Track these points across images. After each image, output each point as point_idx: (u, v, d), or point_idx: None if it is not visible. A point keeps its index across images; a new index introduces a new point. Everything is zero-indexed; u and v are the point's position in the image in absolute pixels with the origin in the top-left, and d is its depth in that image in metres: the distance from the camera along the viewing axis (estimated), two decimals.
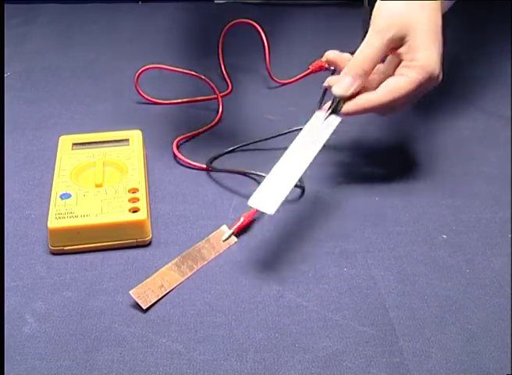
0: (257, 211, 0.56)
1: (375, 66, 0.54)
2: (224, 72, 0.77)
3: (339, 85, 0.54)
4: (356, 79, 0.53)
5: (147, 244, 0.54)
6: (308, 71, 0.79)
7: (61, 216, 0.52)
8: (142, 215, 0.53)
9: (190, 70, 0.71)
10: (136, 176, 0.57)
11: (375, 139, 0.67)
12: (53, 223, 0.51)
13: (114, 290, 0.49)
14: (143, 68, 0.71)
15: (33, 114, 0.72)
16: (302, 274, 0.51)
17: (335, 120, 0.54)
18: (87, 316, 0.47)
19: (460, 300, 0.49)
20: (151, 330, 0.46)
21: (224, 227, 0.55)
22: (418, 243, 0.54)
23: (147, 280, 0.49)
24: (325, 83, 0.56)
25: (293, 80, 0.78)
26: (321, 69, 0.80)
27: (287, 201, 0.59)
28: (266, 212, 0.47)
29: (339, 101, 0.54)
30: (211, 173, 0.61)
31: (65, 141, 0.62)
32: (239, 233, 0.55)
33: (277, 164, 0.50)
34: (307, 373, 0.43)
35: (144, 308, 0.47)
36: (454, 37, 0.83)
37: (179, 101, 0.74)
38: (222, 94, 0.73)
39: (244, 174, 0.62)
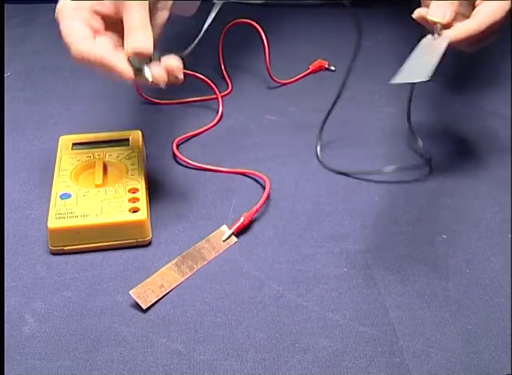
0: (256, 211, 0.56)
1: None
2: (224, 72, 0.77)
3: (436, 11, 0.52)
4: (449, 5, 0.52)
5: (147, 244, 0.54)
6: (308, 71, 0.80)
7: (61, 216, 0.52)
8: (142, 215, 0.53)
9: (191, 70, 0.71)
10: (136, 177, 0.57)
11: (375, 139, 0.67)
12: (53, 223, 0.51)
13: (114, 290, 0.49)
14: None
15: (33, 114, 0.72)
16: (302, 274, 0.51)
17: (444, 41, 0.52)
18: (87, 316, 0.47)
19: (460, 300, 0.49)
20: (151, 330, 0.46)
21: (224, 227, 0.55)
22: (418, 243, 0.54)
23: (147, 280, 0.49)
24: (415, 15, 0.54)
25: (293, 80, 0.79)
26: (321, 69, 0.80)
27: (287, 201, 0.59)
28: (421, 79, 0.46)
29: (437, 31, 0.52)
30: (212, 173, 0.61)
31: (65, 141, 0.62)
32: (239, 233, 0.55)
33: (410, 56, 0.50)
34: (307, 373, 0.43)
35: (144, 308, 0.47)
36: None
37: (179, 101, 0.74)
38: (222, 94, 0.73)
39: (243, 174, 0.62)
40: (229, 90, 0.76)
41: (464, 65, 0.83)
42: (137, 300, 0.47)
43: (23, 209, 0.57)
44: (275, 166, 0.64)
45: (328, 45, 0.87)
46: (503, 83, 0.78)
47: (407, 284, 0.50)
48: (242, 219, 0.55)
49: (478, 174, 0.62)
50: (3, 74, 0.79)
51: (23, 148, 0.66)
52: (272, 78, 0.77)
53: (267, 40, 0.74)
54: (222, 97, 0.73)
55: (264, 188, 0.59)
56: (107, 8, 0.52)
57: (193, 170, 0.61)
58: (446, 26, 0.52)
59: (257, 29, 0.72)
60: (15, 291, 0.49)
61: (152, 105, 0.74)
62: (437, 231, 0.55)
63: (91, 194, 0.54)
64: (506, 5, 0.52)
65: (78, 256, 0.52)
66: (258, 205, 0.56)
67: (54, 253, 0.52)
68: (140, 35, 0.50)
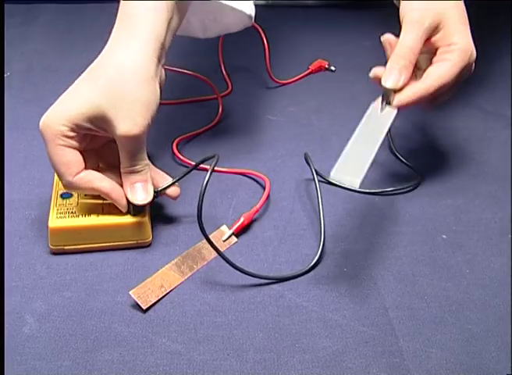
0: (256, 211, 0.56)
1: (417, 57, 0.54)
2: (224, 72, 0.77)
3: (388, 79, 0.53)
4: (402, 71, 0.53)
5: (148, 245, 0.54)
6: (308, 71, 0.80)
7: (61, 215, 0.52)
8: (142, 216, 0.52)
9: (190, 70, 0.71)
10: None
11: None
12: (54, 222, 0.51)
13: (114, 290, 0.49)
14: None
15: (33, 114, 0.72)
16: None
17: (392, 112, 0.53)
18: (87, 316, 0.47)
19: (460, 300, 0.49)
20: (151, 330, 0.46)
21: (224, 227, 0.55)
22: (418, 243, 0.54)
23: (147, 280, 0.49)
24: (371, 74, 0.56)
25: (293, 80, 0.79)
26: (321, 69, 0.80)
27: (287, 201, 0.59)
28: (353, 183, 0.45)
29: (389, 95, 0.53)
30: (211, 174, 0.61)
31: None
32: (239, 233, 0.55)
33: (347, 146, 0.49)
34: (307, 373, 0.43)
35: (144, 308, 0.47)
36: None
37: (179, 101, 0.74)
38: (222, 95, 0.73)
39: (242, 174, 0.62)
40: (229, 90, 0.76)
41: None
42: (137, 300, 0.47)
43: (23, 209, 0.57)
44: (275, 166, 0.64)
45: (329, 45, 0.87)
46: (503, 83, 0.78)
47: (406, 284, 0.50)
48: (242, 219, 0.55)
49: (478, 174, 0.62)
50: (3, 74, 0.79)
51: (23, 148, 0.66)
52: (272, 78, 0.77)
53: (267, 40, 0.74)
54: (222, 97, 0.73)
55: (264, 188, 0.59)
56: (97, 131, 0.50)
57: (193, 170, 0.61)
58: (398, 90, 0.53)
59: (257, 29, 0.72)
60: (15, 291, 0.49)
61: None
62: (437, 231, 0.55)
63: (92, 194, 0.54)
64: (455, 69, 0.53)
65: (78, 256, 0.52)
66: (258, 205, 0.56)
67: (54, 253, 0.52)
68: (143, 193, 0.52)
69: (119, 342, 0.45)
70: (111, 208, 0.53)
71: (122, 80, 0.49)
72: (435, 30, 0.54)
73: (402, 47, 0.54)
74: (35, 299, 0.48)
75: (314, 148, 0.65)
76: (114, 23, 0.54)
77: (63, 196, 0.54)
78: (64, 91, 0.77)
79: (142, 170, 0.51)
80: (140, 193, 0.51)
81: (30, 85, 0.78)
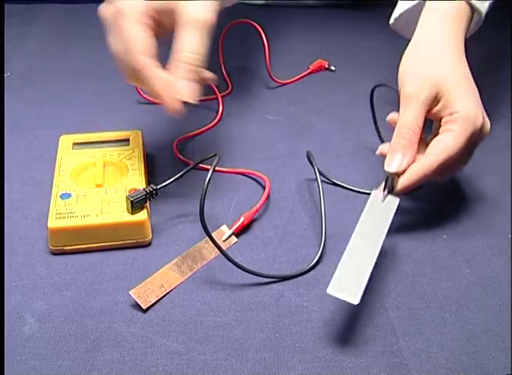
0: (256, 211, 0.56)
1: (420, 132, 0.52)
2: (224, 72, 0.77)
3: (391, 163, 0.52)
4: (405, 153, 0.52)
5: (147, 245, 0.54)
6: (308, 71, 0.80)
7: (61, 215, 0.52)
8: (142, 215, 0.53)
9: None
10: (137, 177, 0.57)
11: (374, 138, 0.67)
12: (53, 222, 0.51)
13: (114, 290, 0.49)
14: None
15: (33, 114, 0.72)
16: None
17: (394, 202, 0.51)
18: (87, 316, 0.47)
19: (460, 300, 0.49)
20: (151, 330, 0.46)
21: (224, 227, 0.55)
22: (418, 243, 0.54)
23: (147, 280, 0.49)
24: (378, 152, 0.55)
25: (293, 80, 0.79)
26: (321, 69, 0.80)
27: (287, 201, 0.59)
28: (351, 301, 0.44)
29: (393, 178, 0.52)
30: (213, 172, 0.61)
31: (65, 141, 0.62)
32: (239, 233, 0.55)
33: (345, 254, 0.47)
34: (307, 373, 0.43)
35: (144, 308, 0.47)
36: None
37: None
38: (222, 94, 0.73)
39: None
40: (229, 90, 0.76)
41: None
42: (137, 300, 0.47)
43: (23, 209, 0.57)
44: (275, 166, 0.64)
45: (328, 45, 0.87)
46: (503, 83, 0.78)
47: (406, 284, 0.50)
48: (242, 219, 0.55)
49: (478, 174, 0.62)
50: (3, 74, 0.79)
51: (23, 148, 0.66)
52: (272, 78, 0.77)
53: (267, 40, 0.74)
54: (222, 97, 0.73)
55: (264, 188, 0.59)
56: (167, 21, 0.52)
57: (193, 170, 0.61)
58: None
59: (257, 29, 0.72)
60: (15, 291, 0.49)
61: (152, 105, 0.74)
62: (437, 231, 0.55)
63: (91, 194, 0.54)
64: (459, 139, 0.51)
65: (78, 256, 0.52)
66: (258, 205, 0.56)
67: (54, 253, 0.52)
68: (188, 88, 0.51)
69: (119, 342, 0.45)
70: (110, 208, 0.53)
71: None
72: (434, 101, 0.52)
73: (401, 127, 0.52)
74: (35, 299, 0.48)
75: (314, 148, 0.65)
76: None
77: (62, 197, 0.54)
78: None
79: (194, 66, 0.51)
80: (189, 88, 0.51)
81: (30, 85, 0.78)
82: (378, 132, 0.64)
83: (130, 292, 0.48)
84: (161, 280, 0.49)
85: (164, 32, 0.53)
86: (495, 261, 0.52)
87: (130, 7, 0.51)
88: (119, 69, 0.53)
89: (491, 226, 0.56)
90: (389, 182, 0.52)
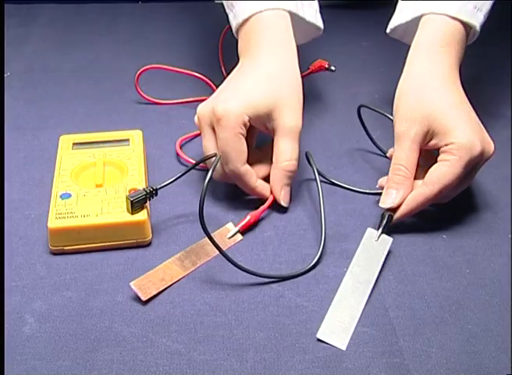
0: (263, 211, 0.56)
1: (414, 167, 0.54)
2: (224, 72, 0.77)
3: (385, 200, 0.54)
4: (399, 188, 0.53)
5: (147, 245, 0.54)
6: (308, 71, 0.79)
7: (61, 215, 0.52)
8: (142, 215, 0.53)
9: (191, 70, 0.72)
10: (137, 177, 0.57)
11: (374, 139, 0.67)
12: (53, 223, 0.51)
13: (114, 290, 0.49)
14: (143, 68, 0.72)
15: (33, 114, 0.72)
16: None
17: (387, 242, 0.52)
18: (87, 316, 0.47)
19: (460, 300, 0.49)
20: (151, 330, 0.46)
21: (230, 225, 0.55)
22: (418, 243, 0.54)
23: (149, 272, 0.49)
24: (378, 185, 0.58)
25: None
26: (321, 69, 0.80)
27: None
28: (339, 347, 0.45)
29: (388, 217, 0.53)
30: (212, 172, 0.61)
31: (65, 141, 0.62)
32: (244, 231, 0.55)
33: (337, 295, 0.48)
34: (307, 373, 0.43)
35: (144, 299, 0.47)
36: None
37: (179, 101, 0.74)
38: None
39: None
40: None
41: (464, 65, 0.83)
42: (137, 291, 0.47)
43: (23, 209, 0.57)
44: None
45: (328, 45, 0.87)
46: (503, 83, 0.78)
47: (406, 284, 0.50)
48: (248, 217, 0.55)
49: (477, 174, 0.62)
50: (3, 74, 0.79)
51: (23, 148, 0.66)
52: None
53: None
54: None
55: None
56: (264, 127, 0.56)
57: (193, 170, 0.61)
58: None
59: None
60: (15, 291, 0.49)
61: (152, 105, 0.74)
62: (437, 231, 0.55)
63: (91, 194, 0.54)
64: (455, 169, 0.51)
65: (78, 256, 0.52)
66: (266, 205, 0.56)
67: (54, 253, 0.52)
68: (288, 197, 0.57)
69: (119, 342, 0.45)
70: (110, 208, 0.53)
71: (287, 79, 0.57)
72: (425, 136, 0.53)
73: (395, 164, 0.54)
74: (35, 299, 0.48)
75: (314, 148, 0.65)
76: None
77: (62, 197, 0.54)
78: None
79: (295, 172, 0.56)
80: (288, 196, 0.57)
81: (29, 85, 0.78)
82: (377, 145, 0.65)
83: (131, 283, 0.48)
84: (162, 274, 0.49)
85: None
86: (495, 261, 0.52)
87: (231, 116, 0.53)
88: (210, 168, 0.53)
89: (491, 226, 0.56)
90: (384, 220, 0.53)
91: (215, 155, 0.54)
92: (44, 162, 0.63)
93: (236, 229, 0.54)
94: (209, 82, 0.71)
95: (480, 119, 0.60)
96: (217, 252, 0.51)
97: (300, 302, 0.49)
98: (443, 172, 0.52)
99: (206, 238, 0.50)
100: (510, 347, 0.45)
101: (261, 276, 0.50)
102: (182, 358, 0.44)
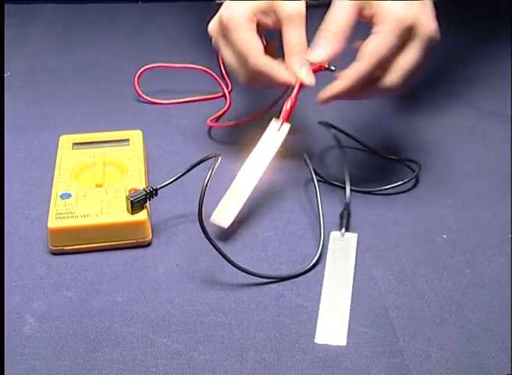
0: (296, 96, 0.56)
1: (347, 30, 0.53)
2: (224, 71, 0.77)
3: (312, 54, 0.54)
4: (327, 43, 0.53)
5: (148, 245, 0.54)
6: None
7: (61, 215, 0.52)
8: (142, 215, 0.53)
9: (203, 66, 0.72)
10: (137, 177, 0.57)
11: (374, 138, 0.67)
12: (53, 223, 0.51)
13: (114, 290, 0.49)
14: (143, 68, 0.72)
15: (33, 114, 0.72)
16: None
17: (353, 238, 0.54)
18: (87, 316, 0.47)
19: (460, 300, 0.49)
20: (151, 330, 0.46)
21: (272, 122, 0.56)
22: (418, 243, 0.54)
23: (221, 202, 0.53)
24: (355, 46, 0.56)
25: None
26: (321, 69, 0.80)
27: (287, 201, 0.59)
28: (339, 344, 0.45)
29: (347, 214, 0.55)
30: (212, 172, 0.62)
31: (65, 141, 0.62)
32: (289, 120, 0.56)
33: (322, 299, 0.49)
34: (307, 373, 0.43)
35: (226, 227, 0.51)
36: (454, 37, 0.84)
37: (180, 101, 0.74)
38: (220, 95, 0.73)
39: None
40: (229, 89, 0.75)
41: (464, 65, 0.83)
42: (220, 224, 0.50)
43: (23, 209, 0.57)
44: (275, 165, 0.63)
45: None
46: (502, 83, 0.78)
47: (406, 284, 0.50)
48: (286, 104, 0.56)
49: (478, 174, 0.63)
50: (3, 74, 0.79)
51: (23, 148, 0.66)
52: None
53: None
54: (223, 95, 0.73)
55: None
56: (269, 20, 0.56)
57: (194, 170, 0.61)
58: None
59: None
60: (15, 291, 0.49)
61: (152, 105, 0.74)
62: (437, 231, 0.55)
63: (91, 194, 0.54)
64: (387, 39, 0.51)
65: (78, 256, 0.52)
66: (296, 89, 0.56)
67: (54, 253, 0.52)
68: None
69: (119, 342, 0.45)
70: (110, 208, 0.53)
71: None
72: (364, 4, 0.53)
73: (327, 19, 0.54)
74: (35, 299, 0.48)
75: (314, 147, 0.65)
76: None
77: (62, 197, 0.54)
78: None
79: (304, 53, 0.55)
80: (309, 73, 0.56)
81: (30, 85, 0.78)
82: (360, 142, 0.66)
83: (211, 219, 0.52)
84: (233, 195, 0.52)
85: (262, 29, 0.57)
86: (495, 261, 0.52)
87: (236, 17, 0.55)
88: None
89: (491, 226, 0.56)
90: (345, 219, 0.54)
91: (215, 155, 0.54)
92: (44, 162, 0.63)
93: (280, 121, 0.55)
94: (211, 73, 0.71)
95: (480, 118, 0.61)
96: (276, 149, 0.54)
97: (300, 302, 0.49)
98: (376, 43, 0.52)
99: (259, 142, 0.54)
100: (510, 347, 0.45)
101: (260, 276, 0.50)
102: (182, 358, 0.44)
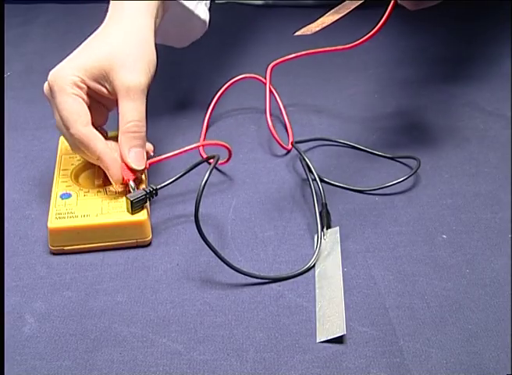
0: None
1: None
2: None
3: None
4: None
5: (148, 245, 0.54)
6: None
7: (61, 216, 0.52)
8: (142, 215, 0.53)
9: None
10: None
11: (374, 139, 0.67)
12: (53, 223, 0.51)
13: (114, 290, 0.49)
14: None
15: (33, 114, 0.72)
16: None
17: (335, 232, 0.54)
18: (87, 316, 0.47)
19: (460, 300, 0.49)
20: (151, 330, 0.46)
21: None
22: (418, 243, 0.54)
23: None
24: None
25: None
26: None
27: (287, 201, 0.59)
28: (340, 334, 0.45)
29: (326, 214, 0.55)
30: (212, 173, 0.61)
31: (65, 141, 0.62)
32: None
33: (316, 298, 0.49)
34: (307, 373, 0.43)
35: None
36: (454, 37, 0.84)
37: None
38: (219, 95, 0.73)
39: None
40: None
41: (464, 65, 0.83)
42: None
43: (23, 209, 0.57)
44: (274, 165, 0.63)
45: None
46: (503, 83, 0.78)
47: (406, 284, 0.50)
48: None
49: (478, 174, 0.62)
50: (3, 74, 0.79)
51: (23, 148, 0.66)
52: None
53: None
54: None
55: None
56: (103, 89, 0.54)
57: (194, 170, 0.61)
58: None
59: (263, 82, 0.72)
60: (15, 291, 0.49)
61: (152, 105, 0.74)
62: (437, 231, 0.55)
63: (91, 194, 0.54)
64: None
65: (78, 256, 0.52)
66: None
67: (54, 253, 0.52)
68: (141, 159, 0.54)
69: (119, 342, 0.45)
70: (110, 208, 0.53)
71: (127, 41, 0.54)
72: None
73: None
74: (35, 299, 0.48)
75: (313, 147, 0.65)
76: None
77: (62, 197, 0.54)
78: None
79: (141, 133, 0.53)
80: (139, 158, 0.53)
81: (30, 85, 0.78)
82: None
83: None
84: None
85: (107, 98, 0.54)
86: (495, 261, 0.52)
87: (61, 79, 0.52)
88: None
89: (491, 226, 0.56)
90: (324, 218, 0.54)
91: (215, 156, 0.54)
92: (44, 162, 0.63)
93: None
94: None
95: (479, 118, 0.61)
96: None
97: (300, 302, 0.49)
98: None
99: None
100: (510, 347, 0.45)
101: (259, 277, 0.50)
102: (182, 358, 0.44)
